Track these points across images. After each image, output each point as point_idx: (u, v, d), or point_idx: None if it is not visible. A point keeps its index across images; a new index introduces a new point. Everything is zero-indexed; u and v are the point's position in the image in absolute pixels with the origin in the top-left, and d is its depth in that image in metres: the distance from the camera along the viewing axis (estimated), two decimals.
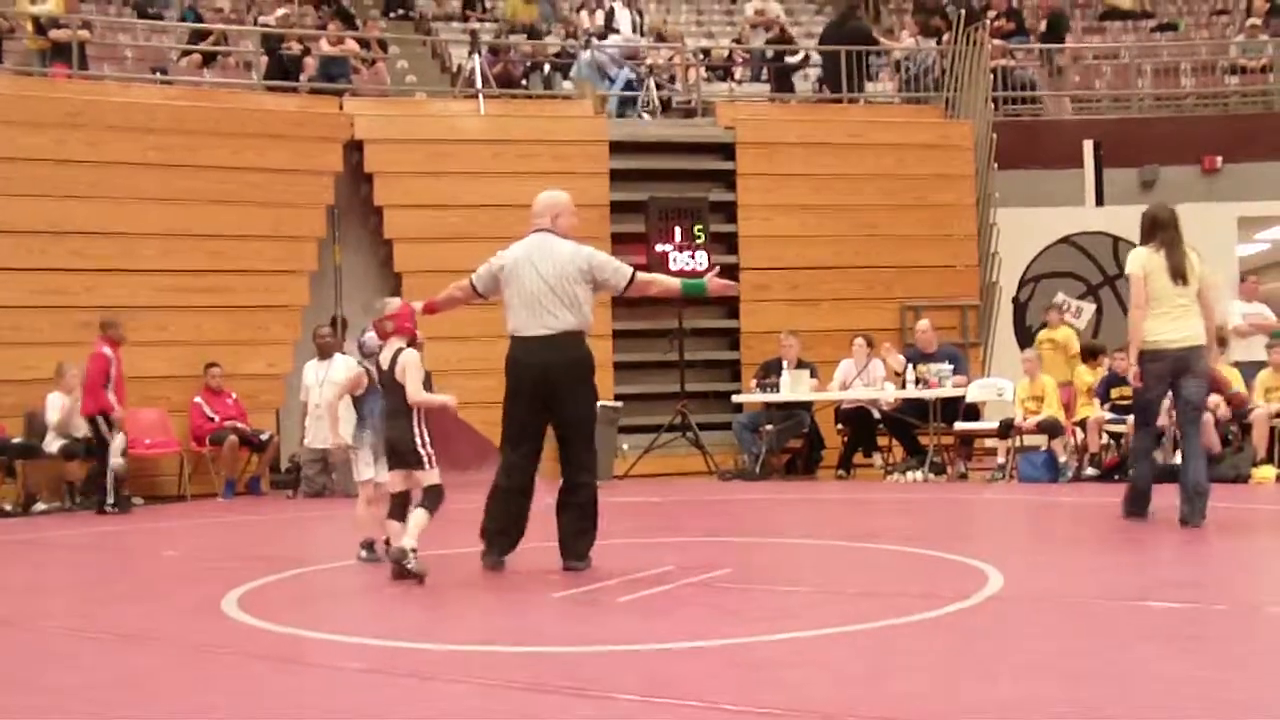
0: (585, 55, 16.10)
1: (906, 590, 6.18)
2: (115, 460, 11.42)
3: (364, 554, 7.45)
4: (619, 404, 13.54)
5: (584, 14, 17.63)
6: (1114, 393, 11.75)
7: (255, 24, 16.05)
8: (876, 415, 13.41)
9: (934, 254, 15.29)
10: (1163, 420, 9.15)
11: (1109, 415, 11.80)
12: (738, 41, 18.16)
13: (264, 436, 13.07)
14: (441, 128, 14.62)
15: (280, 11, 16.15)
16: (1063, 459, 12.10)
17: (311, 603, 6.55)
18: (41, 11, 14.23)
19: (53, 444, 11.95)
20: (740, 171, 15.14)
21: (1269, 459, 11.50)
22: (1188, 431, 8.33)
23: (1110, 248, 15.74)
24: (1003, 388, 13.03)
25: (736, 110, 15.85)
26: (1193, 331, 8.16)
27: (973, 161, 15.60)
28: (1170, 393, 8.43)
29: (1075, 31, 20.16)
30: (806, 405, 13.54)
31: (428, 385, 6.90)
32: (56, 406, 11.93)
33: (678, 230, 14.18)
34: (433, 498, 6.66)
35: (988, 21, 16.39)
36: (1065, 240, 16.22)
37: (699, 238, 14.20)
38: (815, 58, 17.26)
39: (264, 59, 15.02)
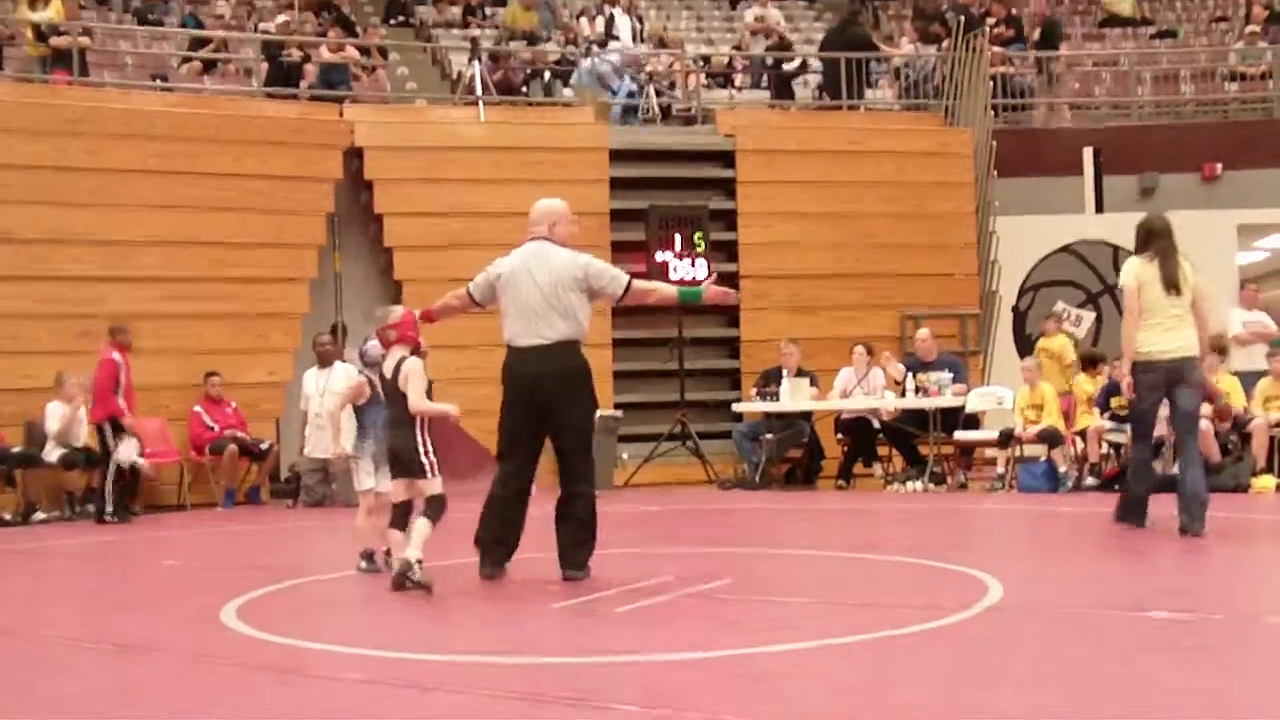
0: (585, 63, 16.12)
1: (907, 601, 6.17)
2: (140, 462, 11.60)
3: (364, 564, 7.45)
4: (618, 413, 13.54)
5: (584, 21, 17.65)
6: (1114, 402, 11.74)
7: (255, 31, 16.09)
8: (876, 425, 13.40)
9: (934, 262, 15.30)
10: (1161, 430, 9.14)
11: (1109, 424, 11.79)
12: (738, 48, 18.17)
13: (264, 445, 13.07)
14: (442, 135, 14.64)
15: (280, 18, 16.18)
16: (1063, 469, 12.09)
17: (311, 613, 6.54)
18: (42, 18, 14.24)
19: (52, 453, 11.95)
20: (740, 179, 15.16)
21: (1269, 468, 11.49)
22: (1185, 441, 8.34)
23: (1110, 256, 15.74)
24: (1002, 397, 13.02)
25: (736, 117, 15.87)
26: (1186, 342, 8.16)
27: (972, 169, 15.61)
28: (1167, 403, 8.43)
29: (1075, 39, 20.18)
30: (806, 414, 13.54)
31: (429, 394, 6.90)
32: (56, 416, 11.93)
33: (678, 238, 14.18)
34: (435, 508, 6.65)
35: (987, 28, 16.41)
36: (1065, 248, 16.23)
37: (699, 245, 14.20)
38: (814, 64, 17.27)
39: (264, 66, 15.04)
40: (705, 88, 17.10)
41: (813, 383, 13.49)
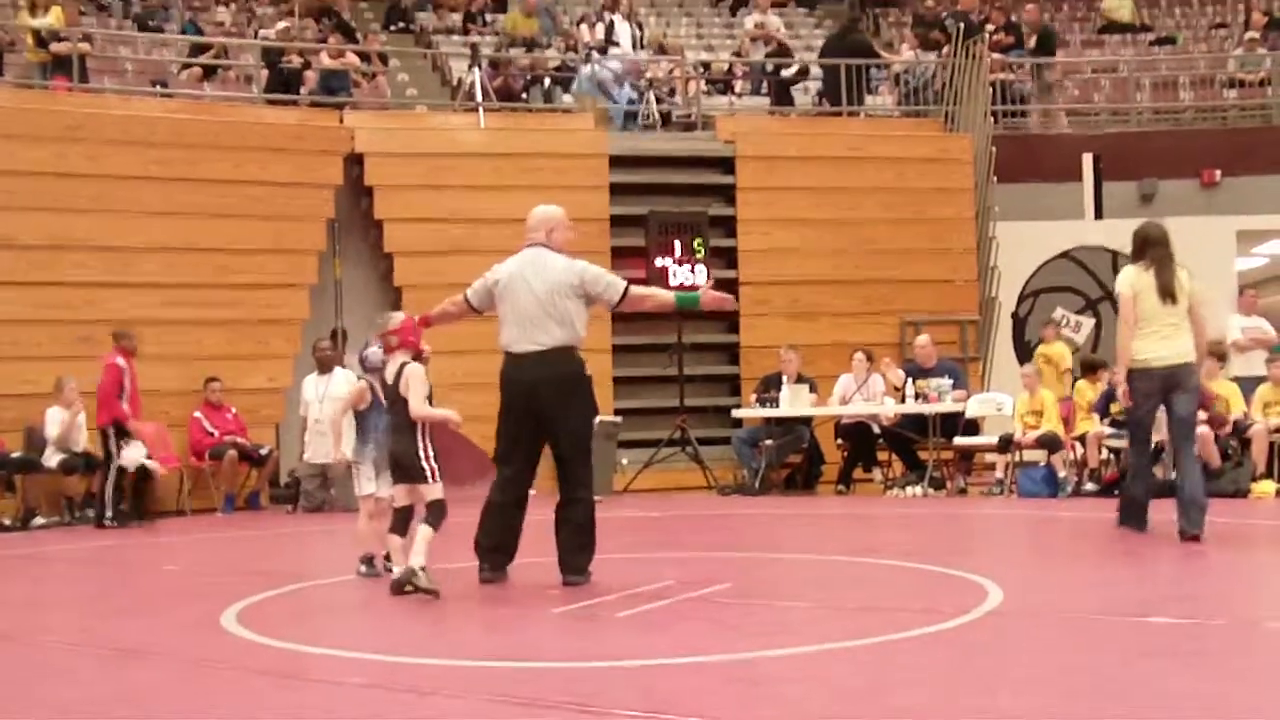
0: (586, 70, 16.14)
1: (906, 605, 6.17)
2: (151, 464, 11.72)
3: (363, 569, 7.45)
4: (618, 419, 13.53)
5: (584, 28, 17.67)
6: (1113, 407, 11.72)
7: (256, 37, 16.10)
8: (876, 430, 13.40)
9: (933, 268, 15.30)
10: (1161, 436, 9.15)
11: (1108, 430, 11.79)
12: (738, 55, 18.19)
13: (263, 451, 13.08)
14: (442, 141, 14.65)
15: (281, 25, 16.19)
16: (1062, 474, 12.10)
17: (311, 618, 6.54)
18: (42, 24, 14.26)
19: (52, 458, 11.96)
20: (740, 185, 15.16)
21: (1268, 474, 11.49)
22: (1182, 447, 8.35)
23: (1110, 262, 15.73)
24: (1002, 403, 13.03)
25: (736, 124, 15.88)
26: (1183, 349, 8.18)
27: (972, 175, 15.62)
28: (1164, 409, 8.43)
29: (1074, 45, 20.21)
30: (806, 420, 13.54)
31: (430, 400, 6.91)
32: (56, 421, 11.94)
33: (677, 244, 14.19)
34: (435, 513, 6.66)
35: (987, 35, 16.43)
36: (1065, 255, 16.24)
37: (699, 252, 14.21)
38: (814, 71, 17.29)
39: (264, 72, 15.06)
40: (705, 94, 17.12)
41: (812, 389, 13.49)
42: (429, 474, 6.69)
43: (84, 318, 12.55)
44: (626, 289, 7.10)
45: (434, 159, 14.35)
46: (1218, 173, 16.55)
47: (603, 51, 16.87)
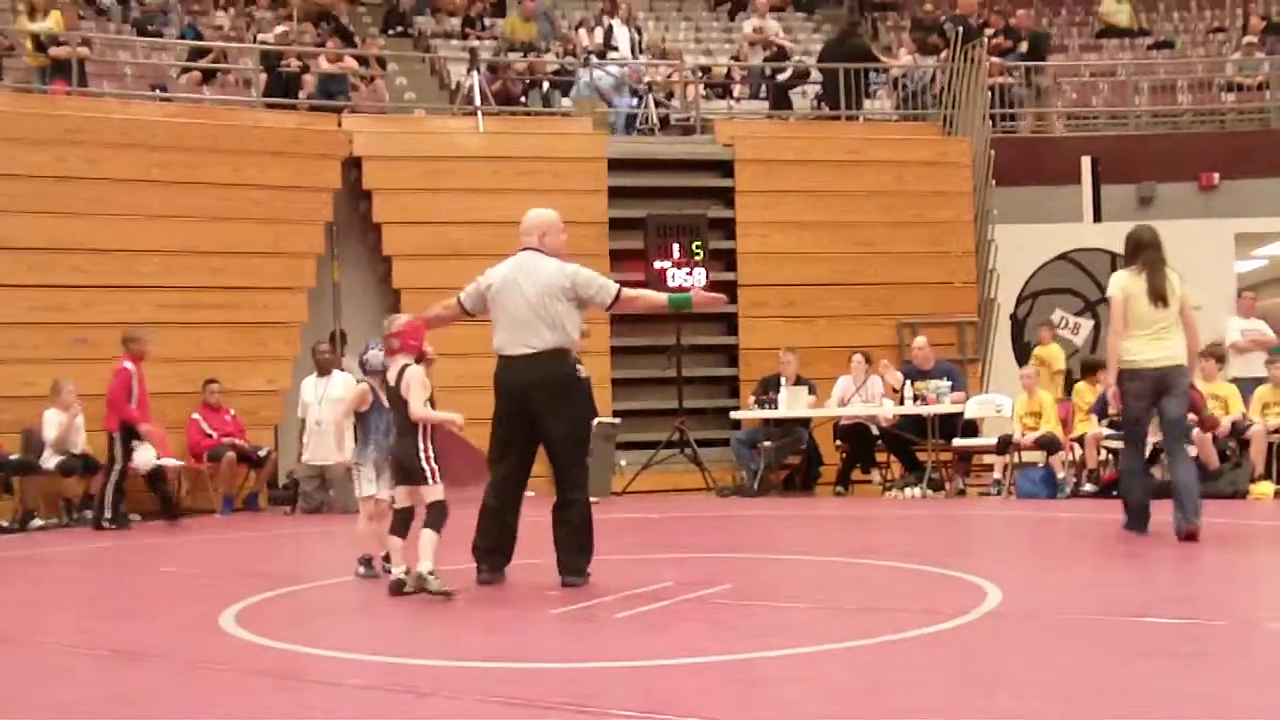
0: (585, 77, 16.16)
1: (905, 606, 6.17)
2: (168, 462, 11.92)
3: (362, 570, 7.45)
4: (617, 420, 13.53)
5: (582, 32, 17.68)
6: (1111, 409, 11.74)
7: (254, 42, 16.12)
8: (875, 431, 13.41)
9: (932, 271, 15.32)
10: (1156, 437, 9.16)
11: (1107, 431, 11.80)
12: (736, 59, 18.21)
13: (262, 453, 13.08)
14: (440, 145, 14.66)
15: (279, 29, 16.19)
16: (1061, 475, 12.11)
17: (309, 619, 6.54)
18: (41, 29, 14.27)
19: (50, 460, 11.97)
20: (739, 188, 15.17)
21: (1267, 475, 11.50)
22: (1173, 448, 8.38)
23: (1108, 264, 15.72)
24: (1001, 404, 13.04)
25: (735, 127, 15.90)
26: (1173, 351, 8.22)
27: (971, 178, 15.63)
28: (1156, 411, 8.45)
29: (1072, 49, 20.23)
30: (805, 422, 13.54)
31: (432, 402, 6.92)
32: (54, 423, 11.95)
33: (676, 247, 14.19)
34: (436, 515, 6.66)
35: (985, 39, 16.44)
36: (1063, 257, 16.26)
37: (697, 254, 14.20)
38: (813, 74, 17.30)
39: (263, 76, 15.07)
40: (704, 98, 17.14)
41: (811, 391, 13.50)
42: (429, 475, 6.69)
43: (83, 320, 12.59)
44: (619, 292, 7.13)
45: (432, 162, 14.36)
46: (1216, 176, 16.58)
47: (601, 56, 16.89)
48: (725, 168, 15.28)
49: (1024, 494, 12.05)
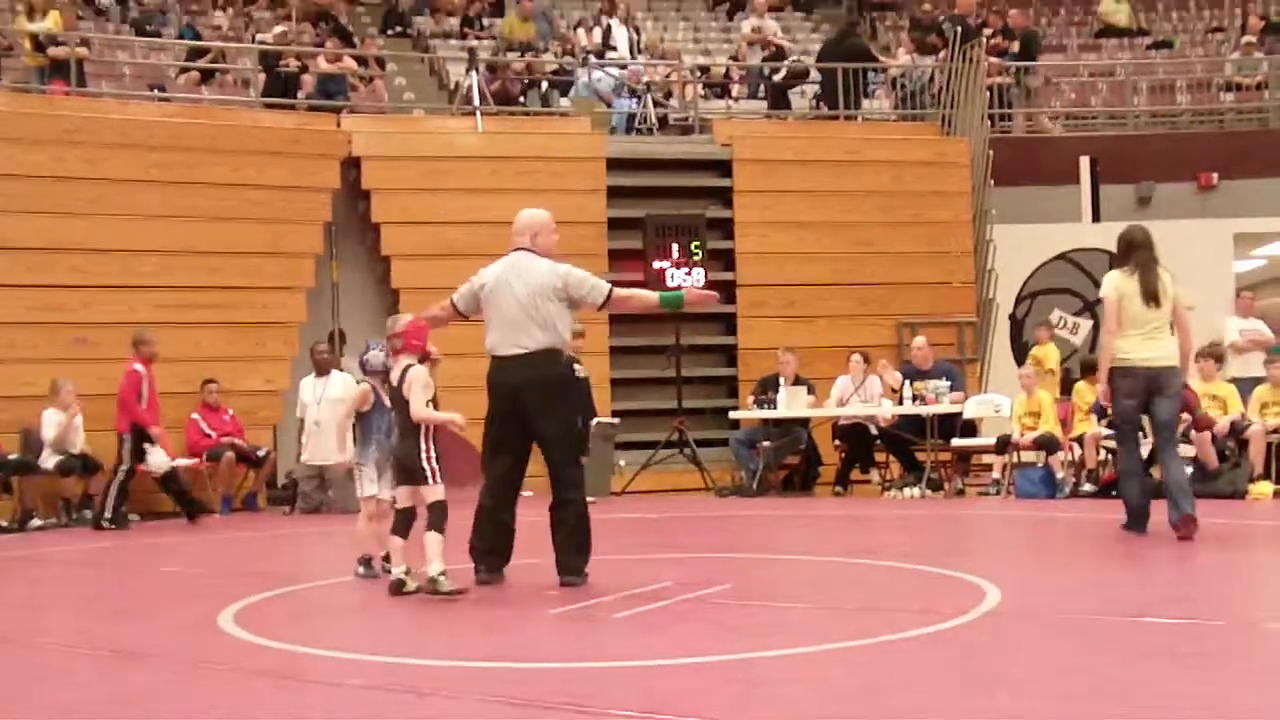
0: (584, 79, 16.17)
1: (904, 606, 6.17)
2: (182, 462, 12.08)
3: (361, 570, 7.46)
4: (616, 420, 13.54)
5: (581, 32, 17.69)
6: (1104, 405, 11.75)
7: (253, 42, 16.11)
8: (874, 431, 13.41)
9: (930, 270, 15.32)
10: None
11: (1106, 431, 11.80)
12: (734, 59, 18.21)
13: (261, 453, 13.08)
14: (439, 145, 14.66)
15: (278, 29, 16.20)
16: (1060, 475, 12.11)
17: (309, 619, 6.54)
18: (40, 29, 14.26)
19: (49, 460, 11.96)
20: (737, 188, 15.17)
21: (1266, 475, 11.50)
22: (1164, 448, 8.41)
23: (1107, 264, 15.58)
24: (1000, 404, 13.05)
25: (733, 127, 15.90)
26: (1166, 352, 8.24)
27: (969, 178, 15.64)
28: (1147, 412, 8.45)
29: (1071, 49, 20.24)
30: (804, 422, 13.54)
31: (435, 403, 6.92)
32: (52, 423, 11.95)
33: (675, 247, 14.19)
34: (437, 516, 6.66)
35: (984, 39, 16.45)
36: (1062, 257, 16.26)
37: (696, 254, 14.20)
38: (812, 74, 17.30)
39: (262, 76, 15.07)
40: (702, 98, 17.14)
41: (810, 391, 13.50)
42: (429, 475, 6.69)
43: (81, 320, 12.59)
44: (610, 292, 7.14)
45: (431, 162, 14.35)
46: (1215, 176, 16.58)
47: (600, 56, 16.89)
48: (724, 167, 15.28)
49: (1023, 494, 12.05)
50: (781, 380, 13.51)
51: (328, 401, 12.39)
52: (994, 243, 15.39)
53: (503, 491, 7.07)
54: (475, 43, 17.09)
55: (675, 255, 14.16)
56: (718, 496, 13.31)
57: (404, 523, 6.83)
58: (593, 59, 16.76)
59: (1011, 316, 16.13)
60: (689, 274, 14.06)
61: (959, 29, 16.64)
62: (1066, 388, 13.78)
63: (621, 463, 13.74)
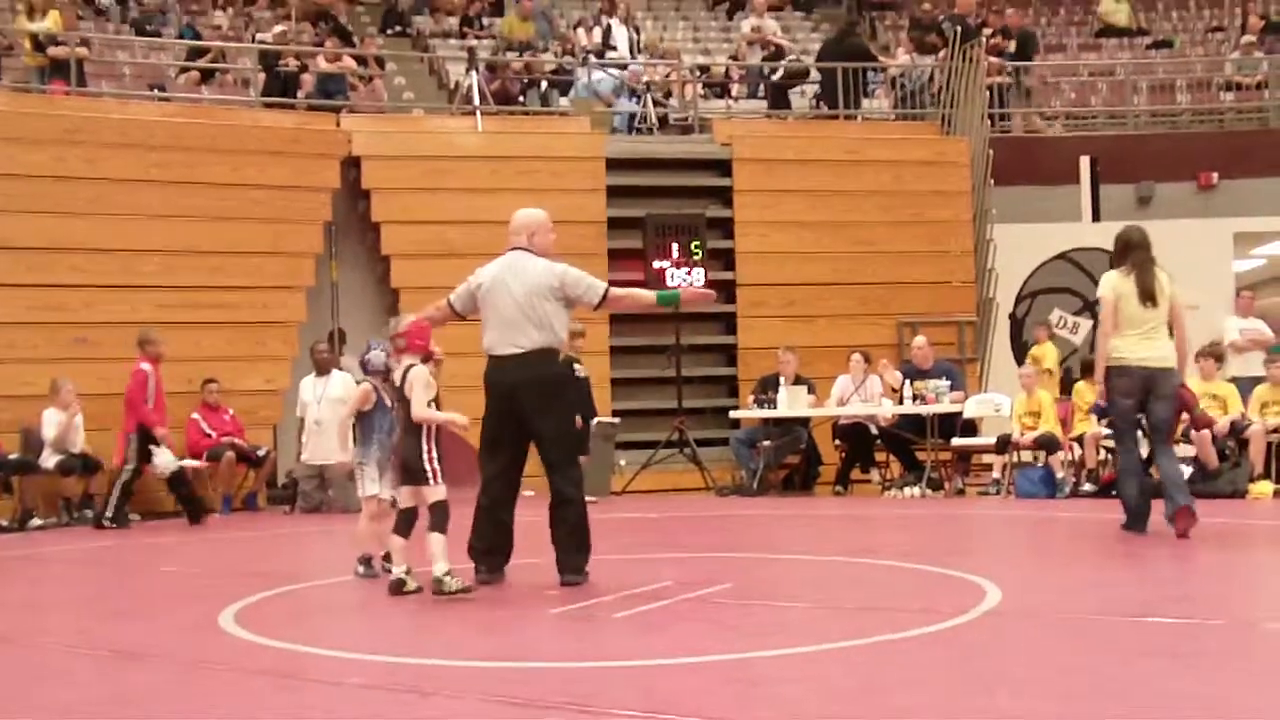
0: (583, 80, 16.17)
1: (904, 605, 6.17)
2: (189, 463, 12.08)
3: (361, 569, 7.46)
4: (616, 420, 13.54)
5: (581, 31, 17.68)
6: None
7: (253, 41, 16.11)
8: (874, 431, 13.41)
9: (931, 270, 15.32)
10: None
11: (1106, 431, 11.80)
12: (734, 59, 18.21)
13: (261, 452, 13.08)
14: (439, 144, 14.66)
15: (278, 29, 16.20)
16: (1060, 474, 12.11)
17: (309, 618, 6.54)
18: (40, 29, 14.26)
19: (49, 460, 11.96)
20: (737, 188, 15.18)
21: (1266, 474, 11.50)
22: (1158, 449, 8.41)
23: (1107, 264, 15.57)
24: (1000, 403, 13.05)
25: (733, 127, 15.90)
26: (1163, 352, 8.25)
27: (969, 178, 15.64)
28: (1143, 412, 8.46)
29: (1071, 48, 20.24)
30: (804, 421, 13.54)
31: (437, 403, 6.92)
32: (53, 423, 11.95)
33: (675, 246, 14.19)
34: (439, 516, 6.66)
35: (983, 39, 16.45)
36: (1062, 256, 16.27)
37: (696, 254, 14.21)
38: (812, 74, 17.30)
39: (262, 76, 15.07)
40: (702, 97, 17.14)
41: (810, 390, 13.50)
42: (430, 475, 6.69)
43: (82, 319, 12.59)
44: (607, 291, 7.15)
45: (431, 162, 14.36)
46: (1215, 175, 16.58)
47: (600, 55, 16.89)
48: (724, 167, 15.28)
49: (1023, 493, 12.05)
50: (782, 380, 13.51)
51: (328, 401, 12.40)
52: (994, 242, 15.39)
53: (500, 491, 7.07)
54: (475, 42, 17.10)
55: (675, 255, 14.17)
56: (718, 496, 13.31)
57: (406, 523, 6.83)
58: (592, 59, 16.76)
59: (1012, 316, 16.13)
60: (689, 273, 14.07)
61: (958, 29, 16.64)
62: (1067, 387, 13.80)
63: (622, 462, 13.75)
